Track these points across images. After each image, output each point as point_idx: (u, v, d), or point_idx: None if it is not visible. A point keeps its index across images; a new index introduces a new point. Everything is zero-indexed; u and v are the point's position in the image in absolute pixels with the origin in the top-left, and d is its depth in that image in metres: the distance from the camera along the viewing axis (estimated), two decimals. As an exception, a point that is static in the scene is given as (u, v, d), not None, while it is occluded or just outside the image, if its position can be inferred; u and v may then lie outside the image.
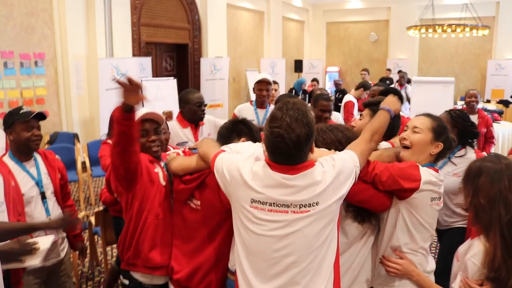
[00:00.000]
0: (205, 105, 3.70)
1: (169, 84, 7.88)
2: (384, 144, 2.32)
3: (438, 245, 3.74)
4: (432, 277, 2.08)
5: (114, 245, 4.10)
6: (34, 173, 2.52)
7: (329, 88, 13.23)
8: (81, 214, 4.08)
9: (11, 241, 2.08)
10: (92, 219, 3.97)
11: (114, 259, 3.48)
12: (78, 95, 7.20)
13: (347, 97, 6.47)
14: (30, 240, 2.13)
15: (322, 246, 1.72)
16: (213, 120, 3.83)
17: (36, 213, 2.49)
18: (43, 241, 2.33)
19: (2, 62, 6.20)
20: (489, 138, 5.22)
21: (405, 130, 2.12)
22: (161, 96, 7.36)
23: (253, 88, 4.34)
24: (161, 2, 8.76)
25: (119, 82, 1.85)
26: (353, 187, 1.79)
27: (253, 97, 4.51)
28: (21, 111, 2.46)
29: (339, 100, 10.17)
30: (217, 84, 9.25)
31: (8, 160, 2.48)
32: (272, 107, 4.32)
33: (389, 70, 12.51)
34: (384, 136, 2.12)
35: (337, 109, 7.36)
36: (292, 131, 1.61)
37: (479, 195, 1.79)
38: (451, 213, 3.03)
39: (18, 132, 2.44)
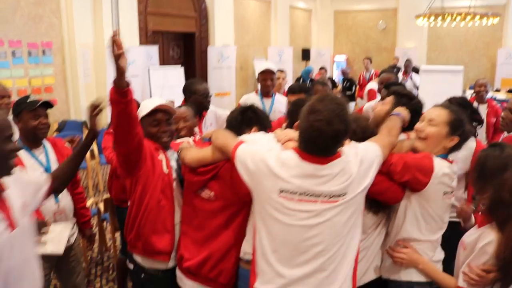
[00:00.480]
0: (210, 96, 3.72)
1: (176, 73, 7.90)
2: (400, 136, 2.31)
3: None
4: (439, 266, 2.07)
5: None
6: (43, 160, 2.55)
7: (337, 77, 13.15)
8: (90, 201, 4.12)
9: None
10: (101, 205, 4.01)
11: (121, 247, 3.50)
12: (85, 83, 7.24)
13: (370, 85, 6.51)
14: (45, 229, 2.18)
15: (348, 234, 1.75)
16: (214, 110, 3.84)
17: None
18: (62, 229, 2.38)
19: (10, 51, 6.23)
20: (498, 128, 5.17)
21: (422, 121, 2.08)
22: (168, 85, 7.38)
23: (257, 78, 4.31)
24: (168, -10, 8.74)
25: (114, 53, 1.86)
26: None
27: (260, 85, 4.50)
28: (28, 100, 2.48)
29: (348, 88, 10.14)
30: (224, 73, 9.23)
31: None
32: (278, 96, 4.31)
33: (396, 58, 12.41)
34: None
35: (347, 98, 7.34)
36: (331, 126, 1.62)
37: (503, 190, 1.71)
38: None
39: (25, 121, 2.46)
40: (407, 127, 2.24)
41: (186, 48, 9.73)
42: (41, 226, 2.16)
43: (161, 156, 2.25)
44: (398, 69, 9.93)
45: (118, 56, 1.87)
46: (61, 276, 2.73)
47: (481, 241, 1.79)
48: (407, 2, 13.49)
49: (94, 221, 4.02)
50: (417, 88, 7.97)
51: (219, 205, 2.05)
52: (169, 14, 8.82)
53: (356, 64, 14.96)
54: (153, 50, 7.98)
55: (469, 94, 8.83)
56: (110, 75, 6.50)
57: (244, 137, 2.01)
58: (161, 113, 2.29)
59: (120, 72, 1.88)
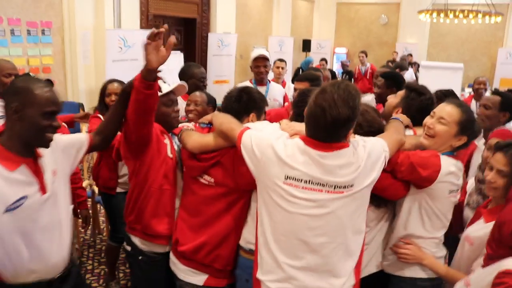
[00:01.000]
0: (206, 80, 3.73)
1: (176, 58, 7.83)
2: (407, 132, 2.31)
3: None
4: (442, 262, 2.08)
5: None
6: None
7: (336, 69, 13.12)
8: (85, 183, 4.12)
9: None
10: (95, 188, 4.01)
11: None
12: (84, 65, 7.17)
13: None
14: None
15: (353, 228, 1.74)
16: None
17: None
18: None
19: (9, 30, 6.16)
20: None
21: (432, 117, 2.04)
22: (167, 69, 7.32)
23: (251, 66, 4.23)
24: (171, -26, 8.64)
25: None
26: None
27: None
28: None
29: (347, 81, 10.14)
30: (224, 60, 9.16)
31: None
32: (273, 84, 4.28)
33: (395, 52, 12.36)
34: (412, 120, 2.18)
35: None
36: (336, 107, 1.60)
37: None
38: None
39: None
40: (415, 122, 2.24)
41: (186, 34, 9.65)
42: None
43: (166, 140, 2.25)
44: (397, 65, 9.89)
45: (151, 52, 1.92)
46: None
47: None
48: (411, -3, 13.42)
49: (88, 203, 4.02)
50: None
51: (218, 192, 2.04)
52: (171, -1, 8.75)
53: (356, 58, 14.89)
54: (154, 35, 7.91)
55: (467, 92, 8.85)
56: (110, 58, 6.53)
57: (249, 124, 1.99)
58: (173, 94, 2.37)
59: (151, 66, 1.90)
